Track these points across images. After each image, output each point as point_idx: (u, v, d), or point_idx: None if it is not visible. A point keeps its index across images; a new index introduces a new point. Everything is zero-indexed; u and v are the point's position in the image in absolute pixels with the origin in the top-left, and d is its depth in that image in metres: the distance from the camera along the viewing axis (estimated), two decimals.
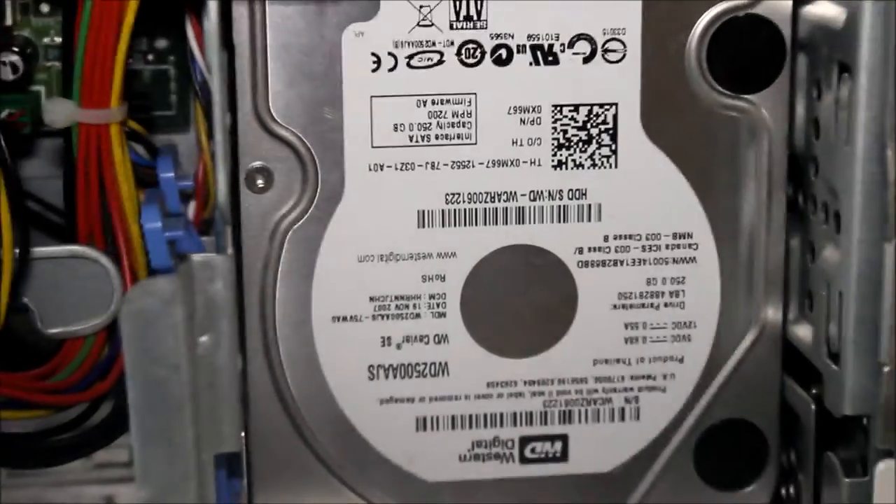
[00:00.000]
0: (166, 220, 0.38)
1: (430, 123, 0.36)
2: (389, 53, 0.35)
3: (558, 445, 0.39)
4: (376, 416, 0.38)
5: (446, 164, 0.36)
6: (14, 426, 0.39)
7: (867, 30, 0.33)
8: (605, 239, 0.37)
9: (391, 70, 0.35)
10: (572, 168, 0.37)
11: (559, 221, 0.37)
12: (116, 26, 0.36)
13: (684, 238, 0.37)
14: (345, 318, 0.37)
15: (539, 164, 0.36)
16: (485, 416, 0.38)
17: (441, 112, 0.36)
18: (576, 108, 0.36)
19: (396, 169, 0.36)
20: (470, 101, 0.36)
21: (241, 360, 0.36)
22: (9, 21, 0.40)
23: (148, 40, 0.42)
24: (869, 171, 0.34)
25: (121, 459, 0.43)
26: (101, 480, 0.44)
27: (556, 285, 0.37)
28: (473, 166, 0.36)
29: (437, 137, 0.36)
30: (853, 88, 0.34)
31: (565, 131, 0.36)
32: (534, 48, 0.36)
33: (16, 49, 0.39)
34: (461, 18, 0.35)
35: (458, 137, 0.36)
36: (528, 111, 0.36)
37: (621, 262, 0.38)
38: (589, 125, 0.36)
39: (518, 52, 0.36)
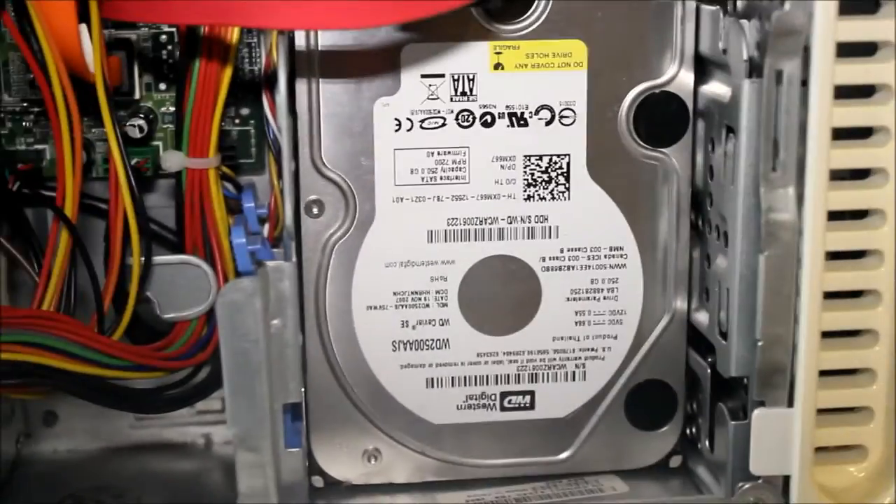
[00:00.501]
0: (249, 237, 0.39)
1: (436, 168, 0.37)
2: (407, 119, 0.36)
3: (528, 398, 0.39)
4: (397, 377, 0.38)
5: (448, 197, 0.37)
6: (140, 384, 0.40)
7: (745, 103, 0.33)
8: (561, 251, 0.38)
9: (409, 131, 0.36)
10: (537, 200, 0.37)
11: (528, 238, 0.38)
12: (213, 100, 0.37)
13: (617, 250, 0.38)
14: (375, 307, 0.38)
15: (514, 198, 0.37)
16: (475, 377, 0.39)
17: (444, 160, 0.37)
18: (540, 157, 0.37)
19: (412, 201, 0.37)
20: (465, 153, 0.37)
21: (302, 337, 0.36)
22: (137, 96, 0.41)
23: (235, 108, 0.42)
24: (748, 203, 0.34)
25: (216, 408, 0.44)
26: (201, 423, 0.45)
27: (526, 284, 0.38)
28: (467, 199, 0.37)
29: (441, 178, 0.37)
30: (736, 145, 0.34)
31: (532, 174, 0.37)
32: (510, 115, 0.37)
33: (142, 115, 0.41)
34: (458, 94, 0.36)
35: (456, 178, 0.37)
36: (506, 160, 0.37)
37: (572, 268, 0.38)
38: (549, 170, 0.37)
39: (499, 117, 0.37)
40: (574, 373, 0.39)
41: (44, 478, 0.43)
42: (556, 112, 0.37)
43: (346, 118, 0.36)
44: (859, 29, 0.33)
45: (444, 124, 0.36)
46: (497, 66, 0.36)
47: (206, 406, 0.44)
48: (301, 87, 0.36)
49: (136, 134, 0.40)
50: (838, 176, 0.33)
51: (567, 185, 0.37)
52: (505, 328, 0.39)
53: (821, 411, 0.35)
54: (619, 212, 0.38)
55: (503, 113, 0.37)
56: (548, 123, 0.37)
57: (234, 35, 0.37)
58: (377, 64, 0.36)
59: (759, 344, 0.34)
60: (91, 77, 0.36)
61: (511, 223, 0.38)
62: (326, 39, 0.35)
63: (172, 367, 0.40)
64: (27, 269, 0.39)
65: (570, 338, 0.39)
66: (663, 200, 0.38)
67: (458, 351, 0.39)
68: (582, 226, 0.38)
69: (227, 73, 0.37)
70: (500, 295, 0.38)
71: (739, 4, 0.34)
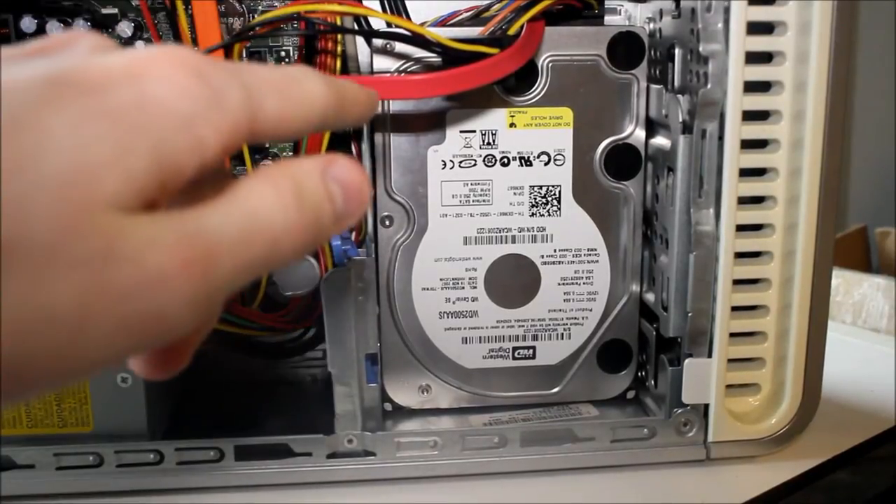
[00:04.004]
0: (342, 241, 0.38)
1: (469, 194, 0.37)
2: (450, 160, 0.37)
3: (531, 351, 0.39)
4: (443, 336, 0.39)
5: (477, 214, 0.38)
6: (269, 340, 0.42)
7: (681, 151, 0.35)
8: (555, 251, 0.38)
9: (451, 169, 0.37)
10: (538, 216, 0.38)
11: (532, 242, 0.38)
12: (318, 147, 0.37)
13: (592, 251, 0.39)
14: (428, 289, 0.38)
15: (522, 215, 0.38)
16: (495, 336, 0.39)
17: (475, 189, 0.37)
18: (541, 187, 0.38)
19: (453, 216, 0.37)
20: (489, 184, 0.37)
21: (378, 308, 0.37)
22: (267, 143, 0.40)
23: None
24: (682, 219, 0.35)
25: (319, 356, 0.44)
26: (309, 366, 0.45)
27: (530, 273, 0.38)
28: (490, 215, 0.38)
29: (472, 201, 0.37)
30: (674, 179, 0.35)
31: (535, 199, 0.38)
32: (520, 158, 0.37)
33: (270, 157, 0.40)
34: (484, 143, 0.37)
35: (483, 201, 0.37)
36: (518, 189, 0.37)
37: (562, 262, 0.38)
38: (546, 196, 0.38)
39: (513, 160, 0.37)
40: (563, 334, 0.39)
41: (205, 400, 0.43)
42: (552, 156, 0.37)
43: (408, 160, 0.37)
44: (757, 102, 0.34)
45: (474, 164, 0.37)
46: (511, 125, 0.37)
47: (312, 355, 0.44)
48: (378, 139, 0.36)
49: None
50: (742, 201, 0.34)
51: (559, 206, 0.38)
52: (516, 303, 0.39)
53: (730, 360, 0.36)
54: (593, 225, 0.38)
55: (515, 157, 0.37)
56: (546, 164, 0.37)
57: None
58: (430, 123, 0.36)
59: (689, 315, 0.35)
60: None
61: (520, 232, 0.38)
62: (395, 106, 0.36)
63: (290, 328, 0.41)
64: None
65: (560, 310, 0.39)
66: (624, 217, 0.38)
67: (483, 319, 0.39)
68: (569, 234, 0.38)
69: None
70: (513, 281, 0.38)
71: (676, 84, 0.35)
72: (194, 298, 0.15)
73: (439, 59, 0.34)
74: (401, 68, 0.35)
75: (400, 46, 0.35)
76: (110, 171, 0.14)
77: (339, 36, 0.36)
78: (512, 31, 0.34)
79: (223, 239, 0.16)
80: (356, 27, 0.36)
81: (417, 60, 0.35)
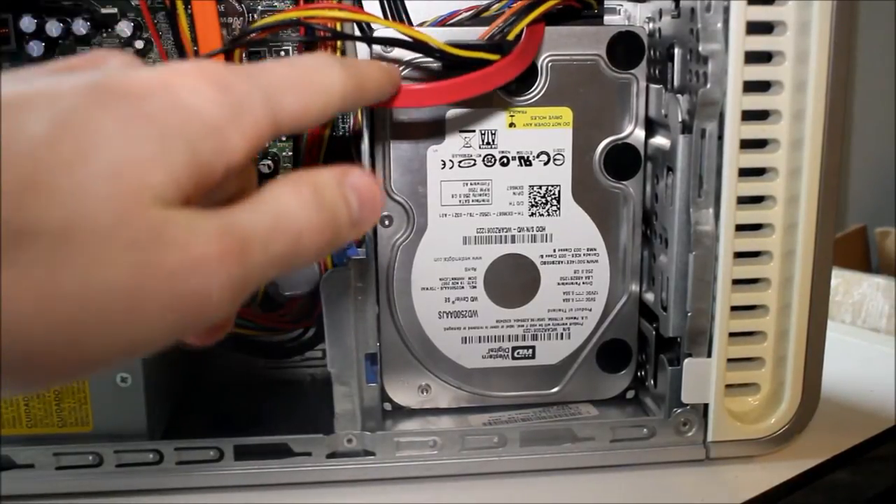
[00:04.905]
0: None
1: (469, 194, 0.37)
2: (450, 160, 0.37)
3: (530, 351, 0.39)
4: (442, 336, 0.39)
5: (477, 214, 0.38)
6: (268, 339, 0.41)
7: (680, 151, 0.35)
8: (554, 251, 0.38)
9: (450, 168, 0.37)
10: (538, 216, 0.38)
11: (531, 242, 0.38)
12: (318, 148, 0.38)
13: (592, 251, 0.39)
14: (427, 288, 0.38)
15: (522, 214, 0.38)
16: (495, 336, 0.39)
17: (474, 189, 0.37)
18: (540, 187, 0.38)
19: (453, 216, 0.37)
20: (488, 184, 0.37)
21: (377, 308, 0.37)
22: (267, 145, 0.40)
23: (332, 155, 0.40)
24: (681, 219, 0.35)
25: (318, 356, 0.44)
26: (308, 366, 0.45)
27: (530, 273, 0.39)
28: (490, 215, 0.38)
29: (473, 201, 0.37)
30: (674, 179, 0.35)
31: (534, 198, 0.38)
32: (520, 158, 0.37)
33: (269, 158, 0.40)
34: (484, 143, 0.37)
35: (483, 201, 0.37)
36: (517, 188, 0.37)
37: (562, 262, 0.39)
38: (546, 195, 0.38)
39: (512, 160, 0.37)
40: (562, 333, 0.39)
41: (205, 400, 0.43)
42: (551, 156, 0.37)
43: (408, 160, 0.36)
44: (757, 101, 0.34)
45: (474, 164, 0.37)
46: (511, 125, 0.37)
47: (311, 355, 0.44)
48: (378, 144, 0.36)
49: (266, 170, 0.41)
50: (742, 200, 0.34)
51: (558, 206, 0.38)
52: (515, 303, 0.39)
53: (729, 360, 0.36)
54: (593, 224, 0.38)
55: (515, 157, 0.37)
56: (545, 164, 0.37)
57: None
58: (430, 123, 0.36)
59: (689, 314, 0.35)
60: None
61: (520, 231, 0.38)
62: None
63: (289, 328, 0.41)
64: None
65: (560, 310, 0.39)
66: (623, 216, 0.38)
67: (483, 318, 0.39)
68: (568, 234, 0.38)
69: (327, 131, 0.38)
70: (512, 280, 0.38)
71: (676, 83, 0.35)
72: (232, 283, 0.17)
73: (439, 63, 0.34)
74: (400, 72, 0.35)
75: (400, 51, 0.35)
76: (154, 166, 0.16)
77: (339, 41, 0.36)
78: (512, 36, 0.34)
79: (254, 233, 0.17)
80: (356, 33, 0.35)
81: (416, 64, 0.35)
